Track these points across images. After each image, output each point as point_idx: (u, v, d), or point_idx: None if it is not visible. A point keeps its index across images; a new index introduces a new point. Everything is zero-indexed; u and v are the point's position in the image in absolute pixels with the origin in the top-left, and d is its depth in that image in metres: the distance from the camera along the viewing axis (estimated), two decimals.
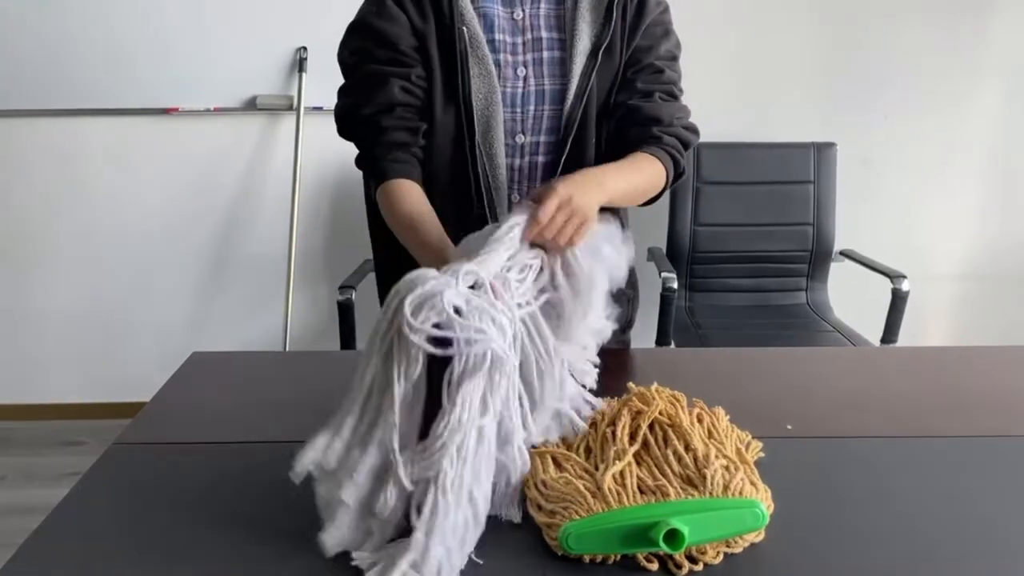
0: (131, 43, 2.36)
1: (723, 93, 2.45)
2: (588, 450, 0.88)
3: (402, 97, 1.09)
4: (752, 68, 2.48)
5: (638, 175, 1.10)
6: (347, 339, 2.00)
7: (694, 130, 1.20)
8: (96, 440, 2.58)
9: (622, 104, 1.16)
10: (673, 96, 1.18)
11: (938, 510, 0.83)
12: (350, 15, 1.15)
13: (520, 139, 1.16)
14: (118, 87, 2.40)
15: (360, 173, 1.21)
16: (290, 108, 2.42)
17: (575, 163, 1.14)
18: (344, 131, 1.17)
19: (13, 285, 2.61)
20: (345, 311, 1.99)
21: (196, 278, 2.62)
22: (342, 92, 1.17)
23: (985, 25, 2.46)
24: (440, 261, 0.85)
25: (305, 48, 2.39)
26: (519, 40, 1.13)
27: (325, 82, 2.36)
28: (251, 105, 2.43)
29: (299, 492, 0.87)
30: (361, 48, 1.13)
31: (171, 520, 0.82)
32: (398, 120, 1.10)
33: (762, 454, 0.91)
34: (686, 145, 1.18)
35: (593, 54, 1.12)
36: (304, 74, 2.38)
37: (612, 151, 1.17)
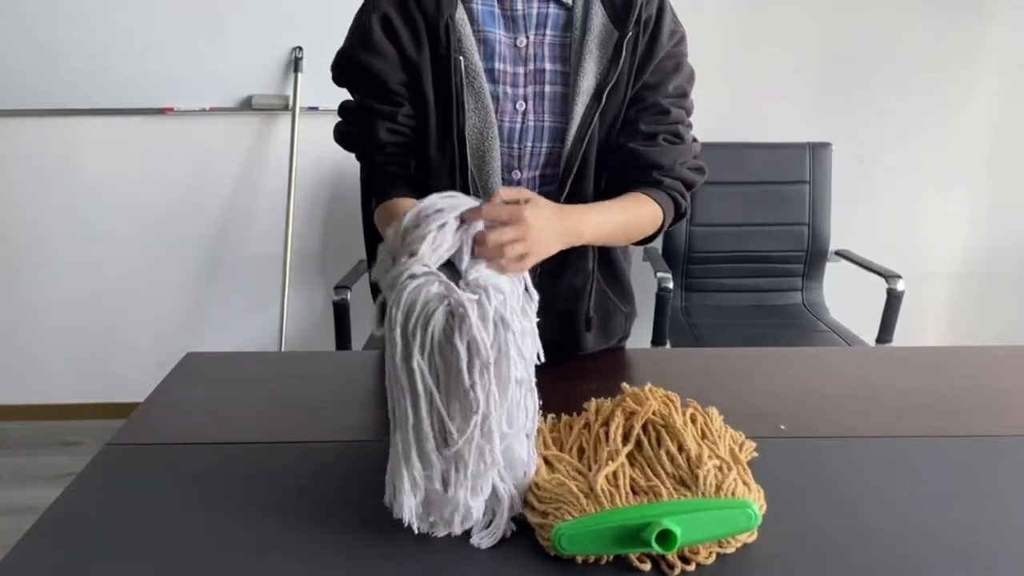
0: (126, 42, 2.36)
1: (719, 93, 2.45)
2: (581, 451, 0.88)
3: (388, 138, 1.08)
4: (748, 68, 2.48)
5: (626, 215, 1.07)
6: (343, 339, 2.00)
7: (700, 170, 1.15)
8: (92, 440, 2.58)
9: (623, 146, 1.11)
10: (679, 136, 1.12)
11: (932, 510, 0.83)
12: (346, 15, 1.14)
13: (517, 175, 1.12)
14: (113, 86, 2.39)
15: (357, 174, 1.22)
16: (285, 108, 2.42)
17: (574, 202, 1.10)
18: (345, 148, 1.16)
19: (8, 285, 2.60)
20: (341, 311, 1.98)
21: (192, 278, 2.62)
22: (341, 110, 1.15)
23: (980, 25, 2.46)
24: None
25: (301, 48, 2.38)
26: (520, 70, 1.09)
27: (321, 82, 2.36)
28: (246, 105, 2.43)
29: (293, 491, 0.87)
30: (347, 81, 1.12)
31: (164, 521, 0.82)
32: (388, 157, 1.10)
33: (755, 454, 0.92)
34: (689, 186, 1.13)
35: (597, 95, 1.07)
36: (300, 74, 2.38)
37: (612, 193, 1.12)
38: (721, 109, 2.47)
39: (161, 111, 2.43)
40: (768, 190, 2.39)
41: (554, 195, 1.12)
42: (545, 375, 1.07)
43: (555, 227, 0.93)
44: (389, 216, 1.07)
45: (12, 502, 2.24)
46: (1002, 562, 0.75)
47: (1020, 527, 0.81)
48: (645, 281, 2.05)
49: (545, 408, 0.98)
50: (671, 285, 2.10)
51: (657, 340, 2.13)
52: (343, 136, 1.14)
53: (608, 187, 1.14)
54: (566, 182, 1.10)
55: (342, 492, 0.86)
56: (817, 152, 2.40)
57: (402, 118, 1.07)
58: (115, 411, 2.63)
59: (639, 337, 1.80)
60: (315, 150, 2.45)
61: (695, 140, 1.16)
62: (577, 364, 1.21)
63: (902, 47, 2.47)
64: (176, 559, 0.76)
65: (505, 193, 0.88)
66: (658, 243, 2.39)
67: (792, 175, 2.39)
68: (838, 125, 2.50)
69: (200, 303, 2.64)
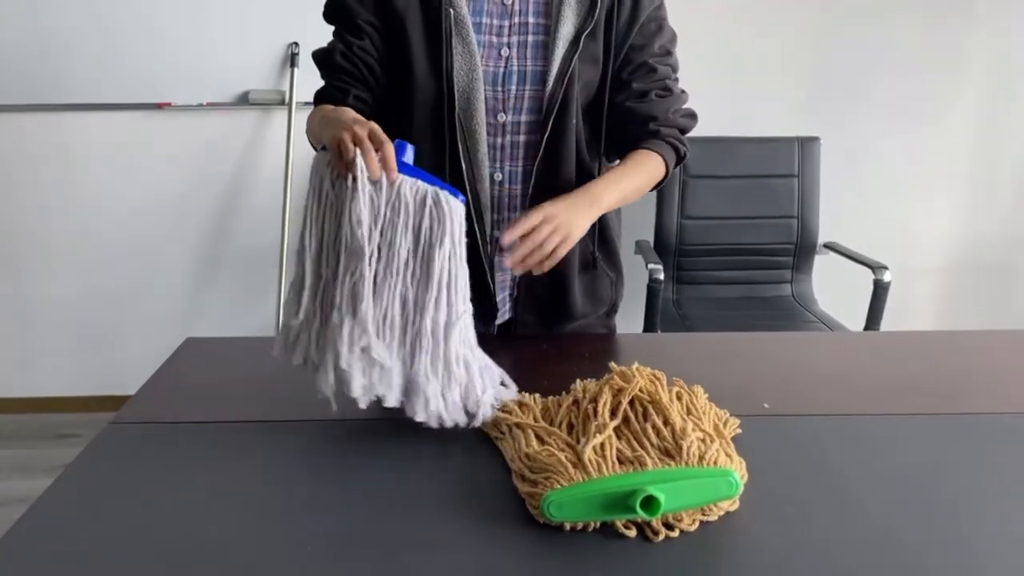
0: (123, 37, 2.38)
1: (709, 88, 2.45)
2: (570, 427, 0.91)
3: (342, 62, 1.16)
4: (737, 63, 2.51)
5: (635, 177, 1.19)
6: None
7: (692, 115, 1.27)
8: (89, 433, 2.54)
9: (620, 105, 1.22)
10: (668, 90, 1.24)
11: (909, 483, 0.85)
12: None
13: (502, 117, 1.19)
14: (109, 82, 2.41)
15: None
16: (282, 103, 2.44)
17: (556, 144, 1.18)
18: (316, 67, 1.23)
19: (6, 279, 2.62)
20: None
21: (189, 272, 2.63)
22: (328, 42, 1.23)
23: (968, 21, 2.50)
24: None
25: (297, 43, 2.40)
26: (505, 23, 1.17)
27: (317, 77, 2.39)
28: (243, 100, 2.45)
29: (292, 467, 0.89)
30: (329, 17, 1.21)
31: (166, 498, 0.83)
32: (340, 81, 1.17)
33: (739, 431, 0.94)
34: (684, 131, 1.25)
35: (575, 40, 1.16)
36: (296, 69, 2.40)
37: (614, 147, 1.25)
38: (712, 103, 2.46)
39: (158, 106, 2.44)
40: (758, 184, 2.42)
41: (536, 142, 1.19)
42: (532, 356, 1.10)
43: (576, 203, 1.09)
44: (315, 111, 1.12)
45: (9, 493, 2.25)
46: (989, 539, 0.77)
47: (996, 501, 0.83)
48: (636, 273, 2.08)
49: (532, 390, 1.01)
50: (662, 277, 2.13)
51: (648, 331, 2.16)
52: (314, 55, 1.22)
53: (610, 143, 1.24)
54: (547, 123, 1.17)
55: (337, 467, 0.88)
56: (806, 146, 2.43)
57: (357, 49, 1.15)
58: (112, 404, 2.62)
59: (630, 329, 1.83)
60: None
61: (683, 92, 1.27)
62: (565, 346, 1.24)
63: (891, 44, 2.50)
64: (177, 537, 0.77)
65: (518, 229, 1.04)
66: (649, 235, 2.42)
67: (782, 169, 2.43)
68: (827, 120, 2.53)
69: (197, 297, 2.66)
